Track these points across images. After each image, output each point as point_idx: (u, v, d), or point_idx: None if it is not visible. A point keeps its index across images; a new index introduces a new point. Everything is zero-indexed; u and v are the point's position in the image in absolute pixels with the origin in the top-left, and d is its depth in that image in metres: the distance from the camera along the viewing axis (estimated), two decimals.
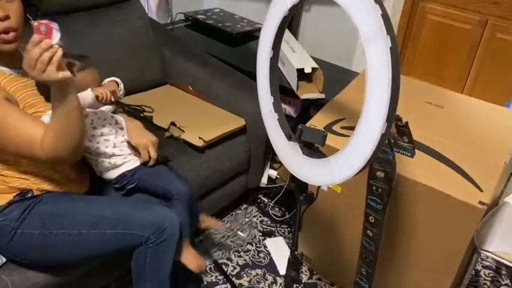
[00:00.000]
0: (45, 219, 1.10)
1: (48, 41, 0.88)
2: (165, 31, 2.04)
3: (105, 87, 1.30)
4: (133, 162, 1.31)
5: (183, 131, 1.55)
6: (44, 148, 0.99)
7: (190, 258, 1.29)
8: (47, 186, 1.14)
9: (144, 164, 1.32)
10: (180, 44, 1.96)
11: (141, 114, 1.56)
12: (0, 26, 0.99)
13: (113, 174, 1.30)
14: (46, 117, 1.08)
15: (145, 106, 1.44)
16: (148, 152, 1.30)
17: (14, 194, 1.11)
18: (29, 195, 1.11)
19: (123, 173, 1.30)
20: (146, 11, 1.89)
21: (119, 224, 1.12)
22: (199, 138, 1.52)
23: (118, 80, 1.37)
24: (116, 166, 1.29)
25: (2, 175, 1.09)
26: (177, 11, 2.36)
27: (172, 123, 1.58)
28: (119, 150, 1.29)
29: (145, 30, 1.81)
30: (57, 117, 0.98)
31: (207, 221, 1.47)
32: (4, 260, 1.14)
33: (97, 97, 1.25)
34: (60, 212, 1.12)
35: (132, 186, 1.30)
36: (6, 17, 0.98)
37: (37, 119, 1.06)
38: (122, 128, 1.30)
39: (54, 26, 0.89)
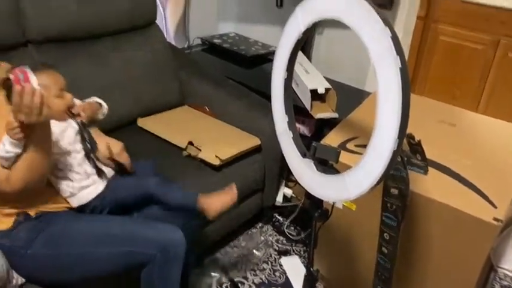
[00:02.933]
0: (54, 241, 1.11)
1: (30, 86, 0.90)
2: (183, 54, 2.12)
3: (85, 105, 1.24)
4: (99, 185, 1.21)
5: (200, 150, 1.59)
6: (12, 183, 1.01)
7: None
8: (38, 208, 1.13)
9: (121, 173, 1.26)
10: (197, 67, 2.03)
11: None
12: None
13: (81, 200, 1.19)
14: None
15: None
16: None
17: (13, 219, 1.10)
18: (28, 216, 1.11)
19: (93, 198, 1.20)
20: (165, 35, 1.96)
21: (124, 242, 1.12)
22: (216, 156, 1.56)
23: (100, 100, 1.30)
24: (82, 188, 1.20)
25: None
26: (194, 35, 2.45)
27: (190, 143, 1.62)
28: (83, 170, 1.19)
29: (165, 54, 1.88)
30: (33, 153, 0.99)
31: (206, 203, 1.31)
32: (24, 280, 1.14)
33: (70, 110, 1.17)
34: (67, 232, 1.12)
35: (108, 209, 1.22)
36: None
37: None
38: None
39: (27, 69, 0.91)
